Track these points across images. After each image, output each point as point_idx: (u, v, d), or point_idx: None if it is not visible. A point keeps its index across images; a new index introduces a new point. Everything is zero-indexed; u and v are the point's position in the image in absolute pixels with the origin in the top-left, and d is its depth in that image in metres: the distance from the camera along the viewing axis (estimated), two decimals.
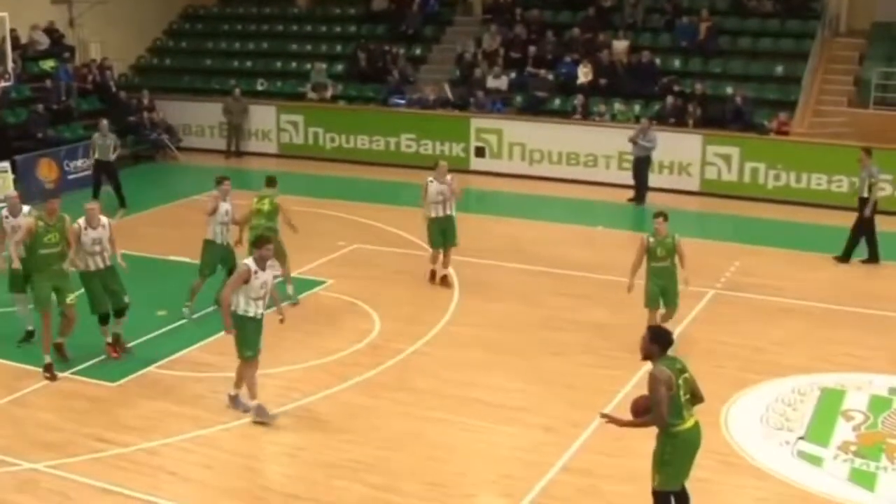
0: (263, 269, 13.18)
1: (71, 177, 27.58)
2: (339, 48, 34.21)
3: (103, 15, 33.40)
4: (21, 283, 15.63)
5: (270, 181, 18.04)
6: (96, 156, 24.64)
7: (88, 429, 13.35)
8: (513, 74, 30.34)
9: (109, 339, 15.67)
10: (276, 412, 13.61)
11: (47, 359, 14.91)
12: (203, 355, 15.68)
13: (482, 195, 27.32)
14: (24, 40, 30.84)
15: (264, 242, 13.34)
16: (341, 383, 14.50)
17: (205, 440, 13.04)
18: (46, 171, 27.07)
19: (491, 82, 30.11)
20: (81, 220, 15.16)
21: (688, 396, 9.81)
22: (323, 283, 18.89)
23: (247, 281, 13.02)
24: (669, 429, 9.73)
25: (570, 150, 28.03)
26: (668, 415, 9.64)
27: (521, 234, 22.56)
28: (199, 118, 32.53)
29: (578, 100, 28.58)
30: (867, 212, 20.42)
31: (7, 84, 22.71)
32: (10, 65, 22.54)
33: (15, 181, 25.66)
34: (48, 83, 30.17)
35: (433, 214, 18.42)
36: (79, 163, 27.80)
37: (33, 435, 13.22)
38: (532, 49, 30.49)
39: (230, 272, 15.90)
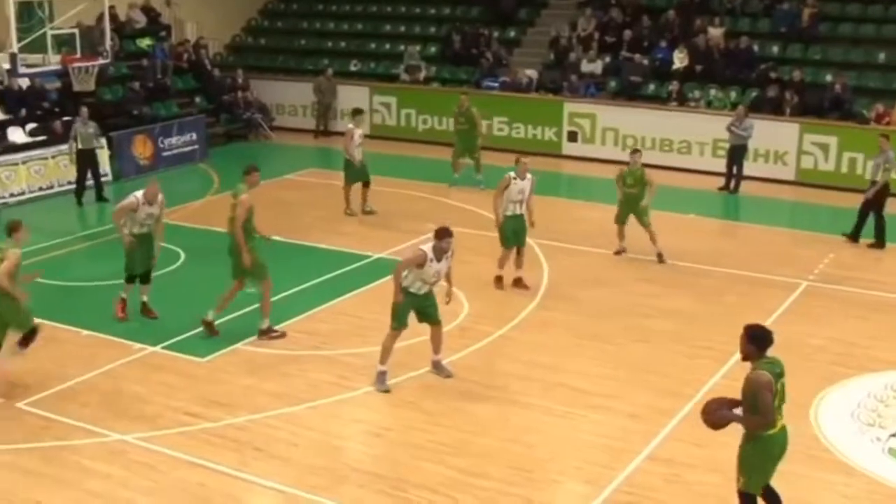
0: (440, 259, 13.51)
1: (165, 153, 28.02)
2: (433, 30, 34.31)
3: None
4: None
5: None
6: (79, 145, 23.98)
7: (177, 402, 13.59)
8: (607, 59, 30.19)
9: (124, 296, 16.38)
10: (371, 389, 13.88)
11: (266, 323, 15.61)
12: (293, 333, 15.85)
13: (573, 180, 27.29)
14: (121, 18, 31.38)
15: (445, 234, 13.54)
16: (428, 365, 14.58)
17: (291, 417, 13.20)
18: (141, 147, 27.52)
19: (585, 66, 30.00)
20: (139, 194, 15.83)
21: (782, 402, 9.63)
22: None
23: (421, 266, 13.44)
24: (761, 433, 9.60)
25: (664, 136, 27.83)
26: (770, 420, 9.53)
27: (612, 219, 22.42)
28: (291, 98, 32.85)
29: (673, 85, 28.37)
30: (869, 193, 20.77)
31: (105, 62, 23.10)
32: (108, 43, 22.91)
33: (111, 157, 26.19)
34: (145, 62, 30.63)
35: (509, 213, 17.68)
36: (173, 140, 28.23)
37: (123, 407, 13.49)
38: (627, 33, 30.31)
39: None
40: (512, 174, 17.64)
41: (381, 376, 13.94)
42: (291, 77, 33.53)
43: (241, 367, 14.70)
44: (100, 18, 23.68)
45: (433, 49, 33.37)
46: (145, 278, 16.40)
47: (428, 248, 13.53)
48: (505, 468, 11.91)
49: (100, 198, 24.48)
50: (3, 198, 24.14)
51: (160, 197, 16.00)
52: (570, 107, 29.10)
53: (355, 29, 35.48)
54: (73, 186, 24.25)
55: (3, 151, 25.15)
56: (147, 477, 11.77)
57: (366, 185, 22.62)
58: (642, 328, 16.20)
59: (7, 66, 21.97)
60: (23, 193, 24.63)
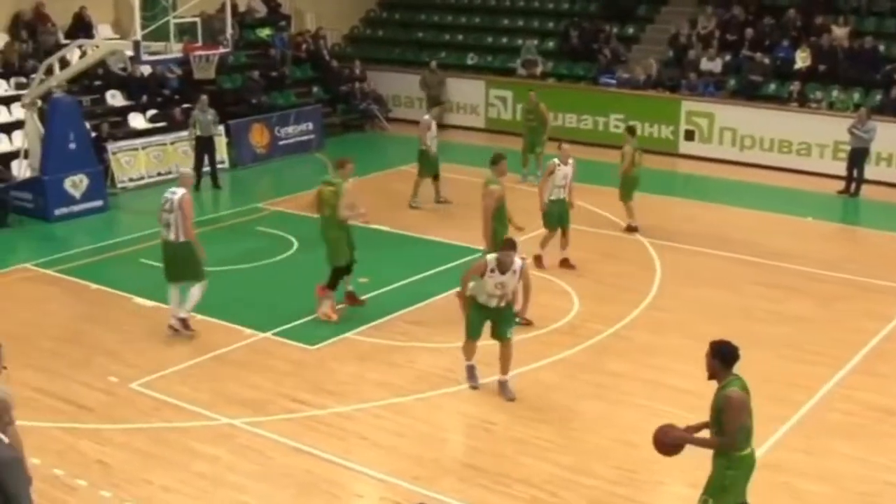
0: (504, 272, 13.10)
1: (281, 142, 28.37)
2: (550, 25, 34.17)
3: None
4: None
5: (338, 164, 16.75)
6: (198, 132, 24.58)
7: (285, 389, 13.77)
8: (727, 57, 29.77)
9: (350, 288, 16.62)
10: (472, 384, 13.87)
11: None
12: (402, 324, 15.98)
13: (689, 179, 26.99)
14: (242, 8, 31.84)
15: (507, 247, 13.25)
16: (537, 361, 14.55)
17: (398, 408, 13.29)
18: (258, 136, 27.91)
19: (704, 64, 29.63)
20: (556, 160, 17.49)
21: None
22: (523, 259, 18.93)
23: (482, 275, 13.15)
24: (735, 454, 9.34)
25: (783, 137, 27.36)
26: (739, 440, 9.26)
27: (727, 220, 22.18)
28: (407, 89, 32.97)
29: (795, 85, 27.88)
30: None
31: (225, 51, 23.41)
32: (228, 32, 23.21)
33: (228, 145, 26.61)
34: (269, 52, 31.05)
35: (553, 197, 18.26)
36: (289, 129, 28.57)
37: (232, 391, 13.71)
38: (749, 31, 29.85)
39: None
40: (556, 160, 18.37)
41: (470, 371, 13.88)
42: (408, 69, 33.65)
43: (350, 356, 14.84)
44: (221, 8, 23.99)
45: (551, 44, 33.24)
46: (349, 269, 16.44)
47: (492, 258, 13.24)
48: (609, 467, 11.85)
49: (215, 185, 24.90)
50: (123, 182, 24.68)
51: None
52: (687, 105, 28.77)
53: (473, 22, 35.49)
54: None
55: (123, 137, 25.75)
56: (253, 461, 11.95)
57: (435, 177, 23.08)
58: (755, 332, 15.93)
59: (130, 53, 22.37)
60: (142, 178, 25.15)
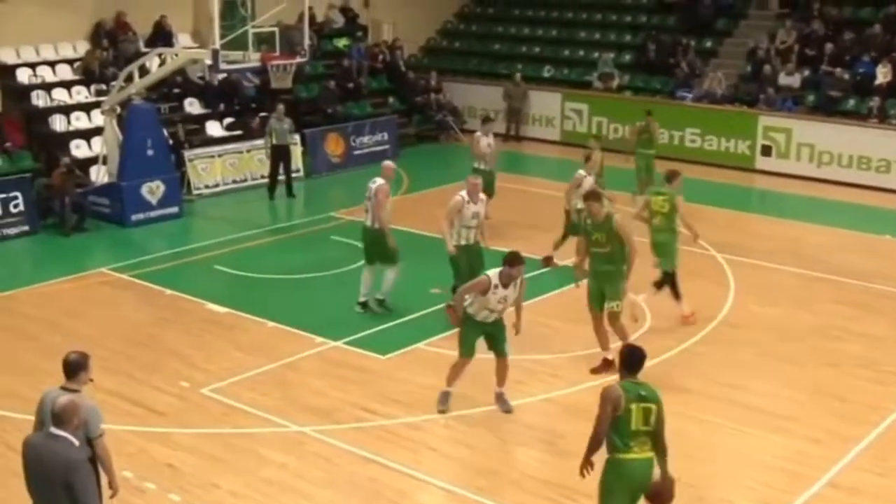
0: (507, 286, 12.83)
1: (356, 152, 28.53)
2: (627, 38, 34.08)
3: None
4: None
5: (670, 176, 17.08)
6: (273, 141, 24.68)
7: (355, 398, 13.82)
8: (806, 72, 29.44)
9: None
10: (547, 396, 13.79)
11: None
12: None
13: (765, 195, 26.74)
14: (320, 19, 32.11)
15: (516, 262, 12.91)
16: (607, 375, 14.49)
17: (468, 419, 13.28)
18: (334, 145, 28.10)
19: (783, 79, 29.34)
20: (463, 193, 16.20)
21: (645, 429, 9.20)
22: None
23: (484, 293, 12.86)
24: (613, 454, 9.29)
25: (862, 153, 26.98)
26: (610, 437, 9.22)
27: (804, 237, 21.93)
28: (483, 101, 32.95)
29: (875, 101, 27.51)
30: None
31: (302, 60, 23.61)
32: (306, 42, 23.41)
33: (303, 154, 26.82)
34: (345, 62, 31.26)
35: (579, 206, 17.83)
36: (364, 139, 28.74)
37: (302, 399, 13.79)
38: (829, 46, 29.51)
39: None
40: (582, 172, 18.88)
41: (444, 396, 13.55)
42: (484, 81, 33.73)
43: (421, 367, 14.85)
44: (300, 18, 24.27)
45: (627, 57, 33.14)
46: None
47: (494, 274, 12.83)
48: (677, 482, 11.74)
49: (289, 193, 25.09)
50: (199, 189, 24.97)
51: (482, 196, 16.55)
52: (765, 120, 28.49)
53: (549, 35, 35.46)
54: (266, 181, 24.95)
55: (200, 144, 26.07)
56: (321, 469, 12.02)
57: (488, 195, 22.08)
58: (830, 350, 15.76)
59: (209, 61, 22.65)
60: (217, 185, 25.42)
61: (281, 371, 14.72)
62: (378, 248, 16.58)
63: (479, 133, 22.13)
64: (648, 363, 13.76)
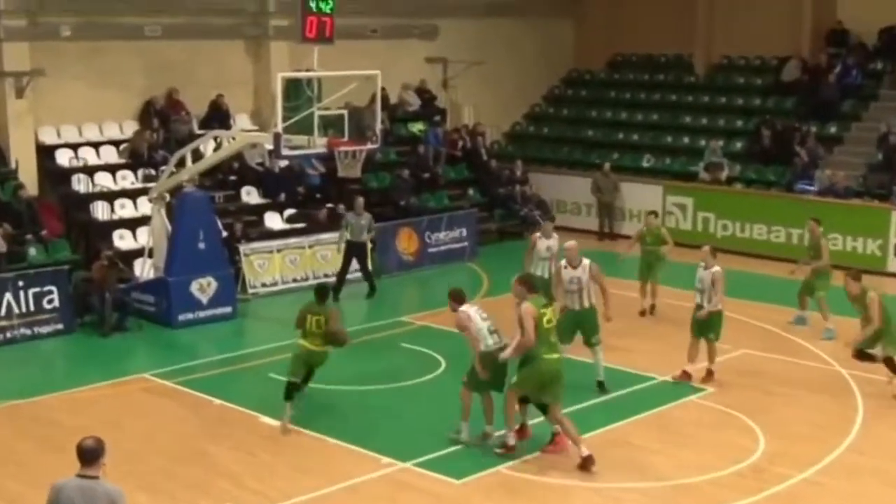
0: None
1: (431, 249, 28.60)
2: (739, 123, 33.99)
3: (479, 76, 34.61)
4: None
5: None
6: (348, 236, 24.92)
7: None
8: None
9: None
10: None
11: None
12: (558, 458, 15.66)
13: None
14: (393, 100, 32.32)
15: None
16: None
17: None
18: (406, 241, 28.13)
19: None
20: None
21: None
22: (702, 390, 18.55)
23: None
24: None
25: None
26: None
27: None
28: (574, 194, 32.96)
29: None
30: None
31: (374, 146, 23.59)
32: (377, 126, 23.41)
33: (371, 250, 26.77)
34: (420, 149, 31.43)
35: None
36: (440, 235, 28.76)
37: None
38: None
39: None
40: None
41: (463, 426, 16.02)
42: (575, 171, 33.75)
43: (499, 492, 14.63)
44: (371, 100, 24.40)
45: (738, 145, 33.00)
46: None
47: (469, 308, 15.88)
48: None
49: (371, 293, 25.31)
50: (254, 287, 25.07)
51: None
52: None
53: (650, 119, 35.52)
54: (333, 280, 24.86)
55: (258, 237, 26.21)
56: None
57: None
58: None
59: (270, 146, 22.84)
60: (275, 284, 25.55)
61: (341, 496, 14.55)
62: (587, 327, 18.56)
63: (537, 234, 21.95)
64: (762, 494, 13.48)
